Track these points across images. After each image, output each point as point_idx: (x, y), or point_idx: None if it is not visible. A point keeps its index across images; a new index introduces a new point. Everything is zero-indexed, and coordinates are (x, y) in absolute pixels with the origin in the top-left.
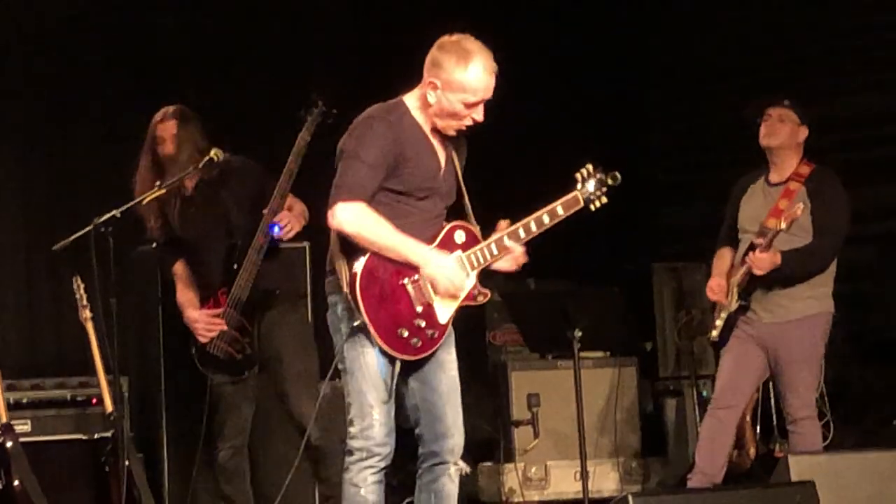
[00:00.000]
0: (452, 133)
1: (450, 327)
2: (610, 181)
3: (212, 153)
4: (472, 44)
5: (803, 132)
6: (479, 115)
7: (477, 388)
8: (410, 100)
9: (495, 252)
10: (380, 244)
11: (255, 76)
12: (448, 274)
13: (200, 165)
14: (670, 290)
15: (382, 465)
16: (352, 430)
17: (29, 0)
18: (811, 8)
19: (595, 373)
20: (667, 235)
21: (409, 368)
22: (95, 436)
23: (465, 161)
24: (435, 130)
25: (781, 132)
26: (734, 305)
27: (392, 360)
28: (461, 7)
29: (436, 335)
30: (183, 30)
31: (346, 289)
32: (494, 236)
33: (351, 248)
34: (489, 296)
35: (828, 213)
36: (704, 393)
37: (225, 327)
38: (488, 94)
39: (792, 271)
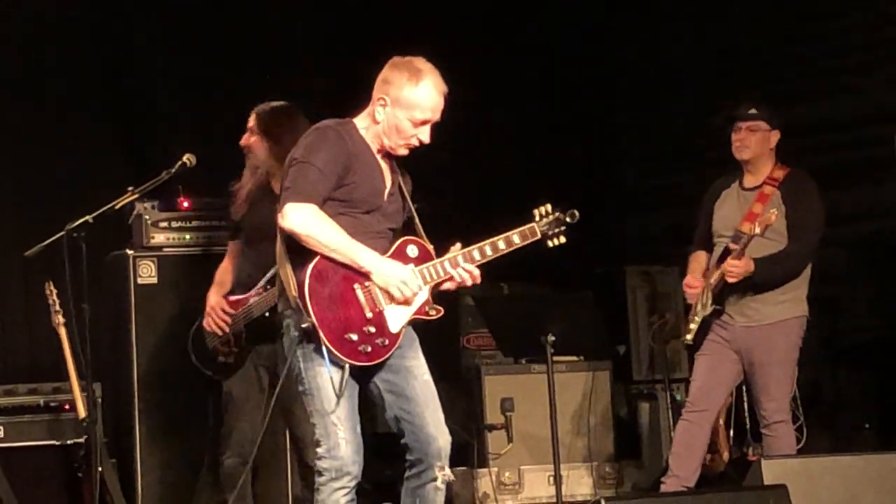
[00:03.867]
0: (402, 152)
1: (409, 334)
2: (568, 219)
3: (184, 158)
4: (423, 64)
5: (775, 136)
6: (424, 135)
7: (450, 393)
8: (359, 121)
9: (449, 270)
10: (332, 246)
11: (228, 87)
12: (401, 278)
13: (173, 170)
14: (643, 294)
15: (353, 484)
16: (319, 450)
17: (2, 5)
18: (779, 12)
19: (568, 377)
20: (638, 239)
21: (379, 382)
22: (68, 441)
23: (411, 191)
24: (382, 153)
25: (753, 144)
26: (709, 309)
27: (340, 365)
28: (431, 18)
29: (387, 343)
30: (155, 36)
31: (294, 292)
32: (449, 254)
33: (298, 253)
34: (441, 312)
35: (802, 217)
36: (678, 397)
37: (227, 329)
38: (436, 115)
39: (767, 277)
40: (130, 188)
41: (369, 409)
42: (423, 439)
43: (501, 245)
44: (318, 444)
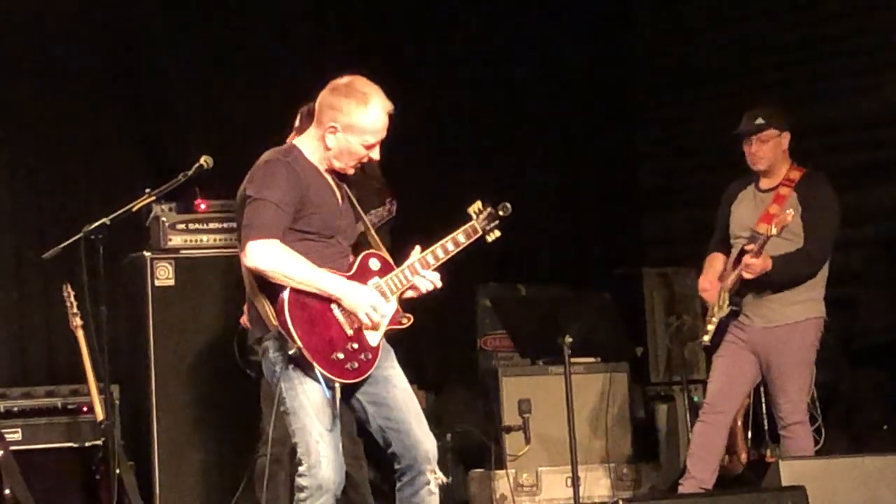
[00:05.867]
0: (350, 172)
1: (384, 346)
2: (501, 213)
3: (201, 160)
4: (366, 85)
5: (786, 138)
6: (375, 154)
7: (468, 395)
8: (303, 143)
9: (410, 277)
10: (298, 278)
11: (242, 83)
12: (370, 303)
13: (191, 172)
14: (661, 296)
15: (332, 501)
16: (301, 468)
17: (16, 9)
18: (795, 12)
19: (586, 378)
20: (655, 241)
21: (360, 395)
22: (86, 444)
23: (356, 196)
24: (329, 171)
25: (766, 154)
26: (725, 310)
27: (331, 385)
28: (446, 13)
29: (369, 357)
30: (172, 39)
31: (274, 321)
32: (407, 262)
33: (270, 283)
34: (412, 319)
35: (818, 218)
36: (696, 398)
37: None
38: (384, 134)
39: (783, 276)
40: (148, 190)
41: None
42: (410, 445)
43: (450, 246)
44: (300, 462)
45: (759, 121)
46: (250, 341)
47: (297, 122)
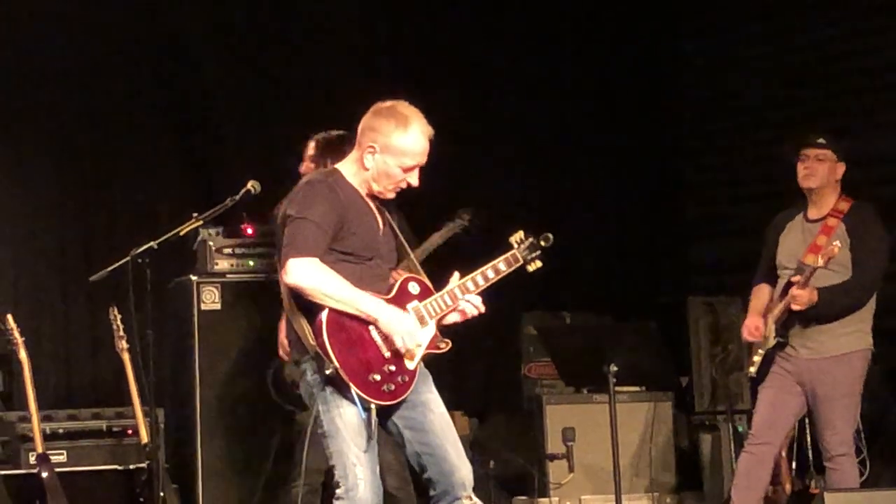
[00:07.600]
0: (389, 196)
1: (421, 370)
2: (542, 243)
3: (249, 185)
4: (408, 109)
5: (841, 168)
6: (413, 179)
7: (511, 422)
8: (344, 167)
9: (449, 303)
10: (336, 297)
11: (291, 108)
12: (407, 329)
13: (238, 197)
14: (706, 325)
15: None
16: (338, 491)
17: (67, 32)
18: (843, 42)
19: (630, 407)
20: (701, 269)
21: (397, 419)
22: (131, 466)
23: (399, 223)
24: (370, 196)
25: (820, 173)
26: (772, 342)
27: (367, 407)
28: (498, 42)
29: (406, 380)
30: (222, 64)
31: (312, 341)
32: (447, 288)
33: (308, 302)
34: (450, 344)
35: (866, 250)
36: (740, 428)
37: None
38: (424, 159)
39: (830, 307)
40: (195, 214)
41: None
42: (446, 470)
43: (490, 274)
44: (337, 486)
45: (821, 140)
46: (290, 364)
47: (310, 151)
